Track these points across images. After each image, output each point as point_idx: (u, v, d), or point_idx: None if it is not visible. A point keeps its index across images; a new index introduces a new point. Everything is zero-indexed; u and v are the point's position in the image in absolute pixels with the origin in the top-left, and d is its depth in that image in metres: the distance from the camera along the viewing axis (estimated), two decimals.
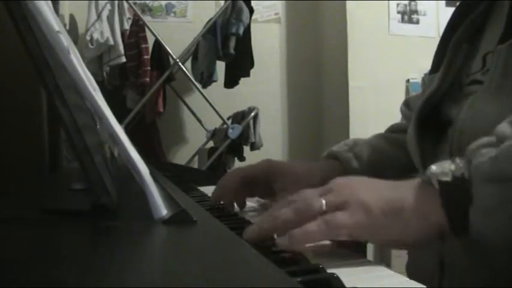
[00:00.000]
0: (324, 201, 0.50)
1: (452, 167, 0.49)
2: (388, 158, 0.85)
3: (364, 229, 0.49)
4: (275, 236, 0.51)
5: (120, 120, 2.53)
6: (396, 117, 1.01)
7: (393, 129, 0.94)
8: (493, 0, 0.72)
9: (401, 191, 0.50)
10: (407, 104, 0.94)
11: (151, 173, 0.52)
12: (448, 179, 0.48)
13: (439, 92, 0.73)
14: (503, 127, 0.50)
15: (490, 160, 0.47)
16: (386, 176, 0.54)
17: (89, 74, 0.53)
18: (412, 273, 0.73)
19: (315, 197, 0.51)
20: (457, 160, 0.49)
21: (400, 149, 0.83)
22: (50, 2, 0.48)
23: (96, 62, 3.01)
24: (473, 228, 0.47)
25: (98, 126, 0.59)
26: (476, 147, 0.49)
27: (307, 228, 0.49)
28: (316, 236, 0.49)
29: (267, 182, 0.80)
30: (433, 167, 0.49)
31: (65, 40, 0.48)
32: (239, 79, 3.25)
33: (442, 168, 0.49)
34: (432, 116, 0.74)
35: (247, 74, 3.23)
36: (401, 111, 0.95)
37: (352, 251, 0.51)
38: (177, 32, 3.42)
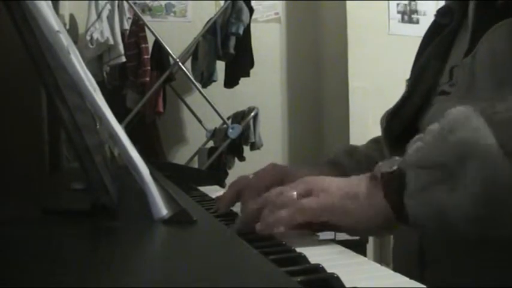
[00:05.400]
0: (295, 192, 0.58)
1: (395, 161, 0.56)
2: None
3: (326, 211, 0.57)
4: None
5: (120, 120, 2.54)
6: None
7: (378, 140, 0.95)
8: (462, 20, 0.78)
9: (356, 184, 0.58)
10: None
11: (151, 173, 0.52)
12: (387, 170, 0.56)
13: (406, 106, 0.80)
14: (432, 125, 0.57)
15: (415, 150, 0.55)
16: None
17: (89, 74, 0.53)
18: (395, 265, 0.76)
19: (287, 189, 0.59)
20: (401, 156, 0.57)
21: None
22: (50, 2, 0.48)
23: (96, 61, 3.01)
24: (407, 211, 0.54)
25: (98, 126, 0.59)
26: (411, 142, 0.57)
27: (279, 214, 0.56)
28: (287, 220, 0.56)
29: None
30: (380, 163, 0.57)
31: (65, 40, 0.48)
32: (239, 79, 3.24)
33: (389, 164, 0.57)
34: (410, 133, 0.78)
35: (247, 74, 3.23)
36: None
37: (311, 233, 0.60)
38: (177, 32, 3.42)
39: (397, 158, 0.57)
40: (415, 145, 0.56)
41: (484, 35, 0.67)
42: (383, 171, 0.56)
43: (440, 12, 0.82)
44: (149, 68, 3.03)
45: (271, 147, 3.48)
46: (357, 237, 1.79)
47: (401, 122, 0.81)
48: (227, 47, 3.04)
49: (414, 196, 0.53)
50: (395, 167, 0.56)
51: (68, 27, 3.07)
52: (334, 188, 0.58)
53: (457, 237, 0.56)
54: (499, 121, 0.52)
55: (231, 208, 0.77)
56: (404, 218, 0.55)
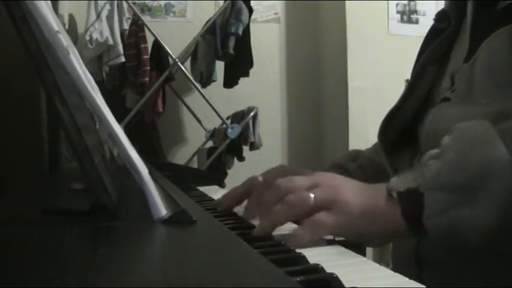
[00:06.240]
0: (312, 196, 0.56)
1: (410, 178, 0.56)
2: (383, 169, 0.87)
3: (343, 228, 0.56)
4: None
5: (119, 120, 2.53)
6: None
7: None
8: (460, 23, 0.78)
9: (375, 198, 0.57)
10: None
11: (151, 173, 0.52)
12: (404, 189, 0.55)
13: (402, 112, 0.81)
14: (445, 140, 0.57)
15: (434, 172, 0.55)
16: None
17: (88, 74, 0.53)
18: (394, 266, 0.76)
19: (304, 191, 0.57)
20: (414, 171, 0.57)
21: None
22: (49, 2, 0.48)
23: (96, 61, 3.01)
24: (427, 231, 0.54)
25: (97, 126, 0.59)
26: (426, 159, 0.57)
27: (296, 233, 0.55)
28: (305, 238, 0.55)
29: None
30: (394, 179, 0.57)
31: (65, 40, 0.48)
32: (238, 79, 3.24)
33: (402, 180, 0.56)
34: (411, 136, 0.79)
35: (247, 74, 3.23)
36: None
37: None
38: (177, 32, 3.42)
39: (410, 173, 0.57)
40: (430, 163, 0.56)
41: (483, 42, 0.67)
42: (400, 191, 0.56)
43: (438, 17, 0.82)
44: (149, 68, 3.03)
45: (270, 147, 3.48)
46: None
47: (398, 127, 0.81)
48: (226, 47, 3.04)
49: (434, 217, 0.53)
50: (412, 186, 0.55)
51: (67, 27, 3.07)
52: (356, 203, 0.56)
53: (474, 253, 0.57)
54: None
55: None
56: (419, 235, 0.55)
